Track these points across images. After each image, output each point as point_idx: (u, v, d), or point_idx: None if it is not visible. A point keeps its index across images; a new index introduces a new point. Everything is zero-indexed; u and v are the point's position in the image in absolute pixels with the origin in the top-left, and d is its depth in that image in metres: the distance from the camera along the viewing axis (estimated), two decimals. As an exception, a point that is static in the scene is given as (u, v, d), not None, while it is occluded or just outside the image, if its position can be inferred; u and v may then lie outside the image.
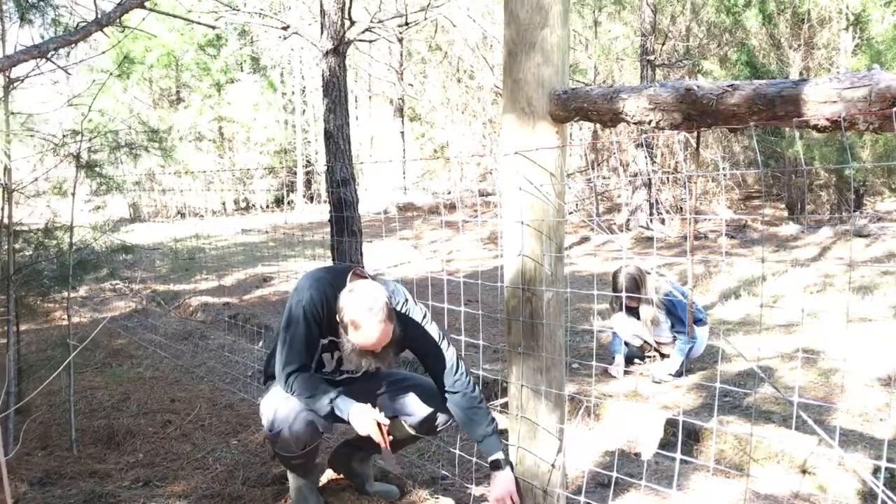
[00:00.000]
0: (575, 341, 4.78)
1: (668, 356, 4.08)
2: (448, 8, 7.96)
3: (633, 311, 4.12)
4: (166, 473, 2.98)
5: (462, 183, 16.95)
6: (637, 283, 3.95)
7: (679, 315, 3.95)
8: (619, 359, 4.14)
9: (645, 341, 4.22)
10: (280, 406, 2.31)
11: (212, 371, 4.67)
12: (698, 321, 4.12)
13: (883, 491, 1.64)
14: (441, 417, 2.56)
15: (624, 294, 4.00)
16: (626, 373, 4.13)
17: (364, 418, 2.19)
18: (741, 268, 7.28)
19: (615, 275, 4.07)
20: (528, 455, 2.11)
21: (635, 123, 1.76)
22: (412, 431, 2.59)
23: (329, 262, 7.27)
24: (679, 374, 3.93)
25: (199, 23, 5.78)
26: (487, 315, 5.46)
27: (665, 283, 4.08)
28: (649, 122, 1.71)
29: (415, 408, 2.55)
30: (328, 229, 7.39)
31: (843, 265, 6.87)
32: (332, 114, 6.65)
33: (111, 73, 3.41)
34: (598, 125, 2.20)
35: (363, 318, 2.11)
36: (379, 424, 2.18)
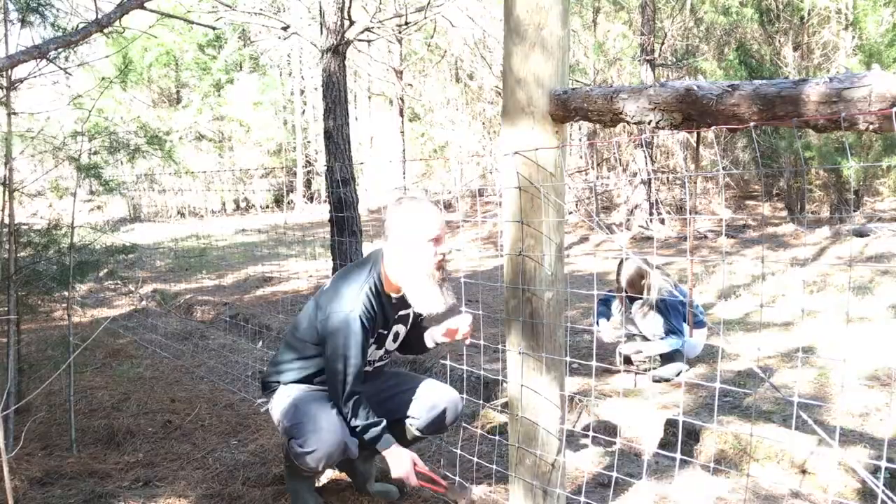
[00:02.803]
0: (575, 341, 4.78)
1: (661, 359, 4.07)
2: (447, 8, 7.96)
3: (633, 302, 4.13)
4: (166, 473, 2.98)
5: (461, 182, 16.95)
6: (642, 274, 3.98)
7: (675, 324, 3.93)
8: (603, 321, 4.19)
9: (640, 333, 4.20)
10: (315, 424, 2.29)
11: (212, 371, 4.67)
12: (699, 323, 4.11)
13: (883, 491, 1.64)
14: (448, 416, 2.57)
15: (625, 294, 4.00)
16: (626, 371, 4.13)
17: (402, 462, 2.30)
18: (741, 267, 7.29)
19: (619, 265, 4.09)
20: (528, 455, 2.11)
21: (635, 123, 1.76)
22: (418, 434, 2.60)
23: (329, 262, 7.27)
24: (678, 373, 3.93)
25: (199, 23, 5.76)
26: (487, 315, 5.46)
27: (667, 283, 4.08)
28: (649, 122, 1.71)
29: (420, 410, 2.55)
30: (328, 229, 7.39)
31: (842, 264, 6.87)
32: (331, 114, 6.65)
33: (111, 81, 3.41)
34: (597, 124, 2.21)
35: (414, 201, 2.29)
36: (417, 471, 2.32)
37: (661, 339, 3.97)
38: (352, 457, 2.40)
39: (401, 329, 2.56)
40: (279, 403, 2.44)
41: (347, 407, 2.32)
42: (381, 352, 2.54)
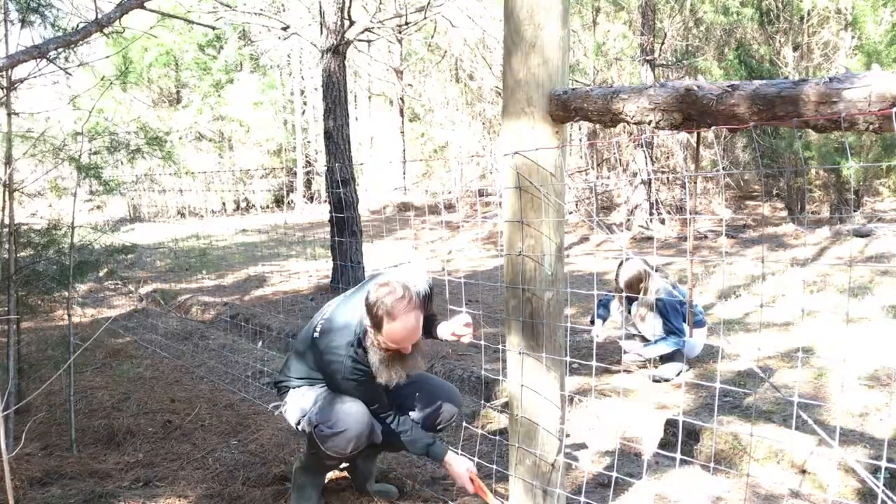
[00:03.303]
0: (575, 341, 4.78)
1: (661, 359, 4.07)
2: (447, 8, 7.96)
3: (632, 303, 4.13)
4: (166, 473, 2.98)
5: (461, 183, 16.95)
6: (641, 277, 3.96)
7: (674, 325, 3.93)
8: (599, 323, 4.19)
9: (639, 334, 4.20)
10: (343, 407, 2.35)
11: (212, 371, 4.67)
12: (698, 323, 4.11)
13: (883, 491, 1.64)
14: (444, 413, 2.58)
15: (623, 294, 4.00)
16: (625, 372, 4.13)
17: (460, 469, 2.39)
18: (741, 267, 7.29)
19: (619, 266, 4.09)
20: (528, 455, 2.11)
21: (635, 123, 1.76)
22: None
23: (329, 262, 7.26)
24: (678, 373, 3.93)
25: (199, 23, 5.77)
26: (487, 315, 5.46)
27: (665, 284, 4.07)
28: (649, 123, 1.71)
29: (418, 403, 2.56)
30: (328, 229, 7.39)
31: (842, 265, 6.87)
32: (331, 114, 6.66)
33: (111, 82, 3.41)
34: (597, 124, 2.21)
35: (398, 308, 2.19)
36: (472, 478, 2.39)
37: (661, 339, 3.96)
38: (377, 441, 2.44)
39: None
40: (296, 402, 2.45)
41: (395, 426, 2.45)
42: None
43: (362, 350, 2.32)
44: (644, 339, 4.11)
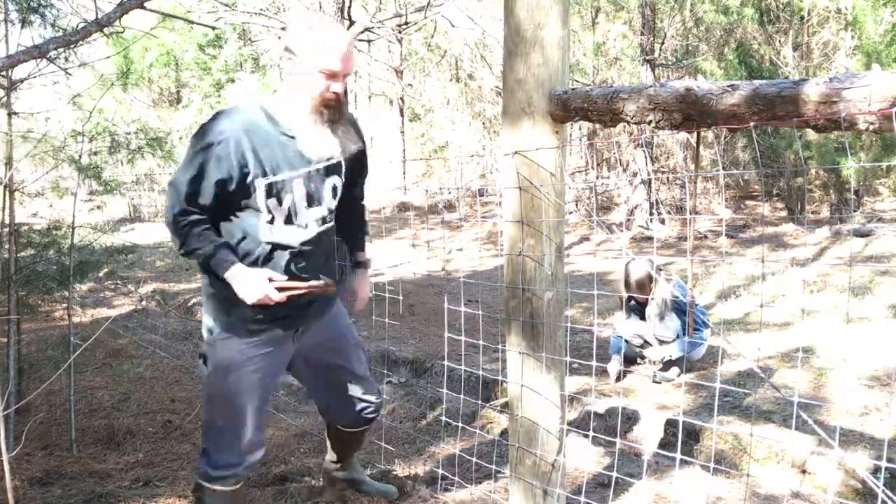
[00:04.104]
0: (575, 341, 4.78)
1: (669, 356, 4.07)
2: (447, 8, 7.96)
3: (642, 306, 4.11)
4: (166, 473, 2.98)
5: (461, 182, 16.95)
6: (649, 277, 3.95)
7: (685, 323, 3.94)
8: (616, 359, 4.11)
9: (645, 341, 4.21)
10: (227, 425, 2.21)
11: (212, 371, 4.66)
12: (702, 325, 4.11)
13: (883, 491, 1.64)
14: (364, 408, 2.44)
15: (626, 295, 4.00)
16: (625, 372, 4.13)
17: (252, 284, 1.94)
18: (741, 267, 7.29)
19: (625, 268, 4.07)
20: (528, 455, 2.11)
21: (635, 123, 1.76)
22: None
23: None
24: (678, 374, 3.93)
25: (199, 23, 5.79)
26: (487, 315, 5.46)
27: (677, 279, 4.09)
28: (649, 122, 1.71)
29: (332, 395, 2.43)
30: (328, 229, 7.37)
31: (842, 264, 6.87)
32: (331, 114, 6.64)
33: (112, 83, 3.41)
34: (597, 124, 2.21)
35: (323, 24, 1.83)
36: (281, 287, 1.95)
37: (674, 340, 3.96)
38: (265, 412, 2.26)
39: (336, 182, 2.10)
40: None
41: (176, 230, 1.96)
42: (323, 210, 2.08)
43: (265, 113, 1.88)
44: (660, 341, 4.10)
